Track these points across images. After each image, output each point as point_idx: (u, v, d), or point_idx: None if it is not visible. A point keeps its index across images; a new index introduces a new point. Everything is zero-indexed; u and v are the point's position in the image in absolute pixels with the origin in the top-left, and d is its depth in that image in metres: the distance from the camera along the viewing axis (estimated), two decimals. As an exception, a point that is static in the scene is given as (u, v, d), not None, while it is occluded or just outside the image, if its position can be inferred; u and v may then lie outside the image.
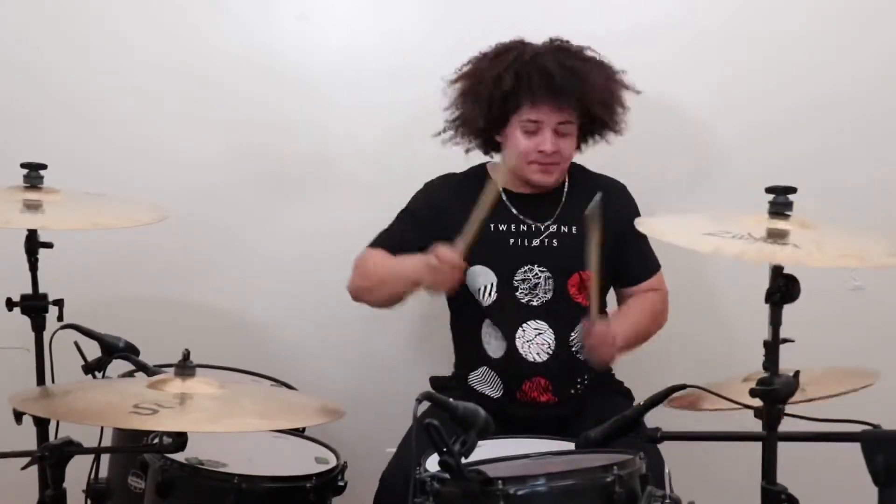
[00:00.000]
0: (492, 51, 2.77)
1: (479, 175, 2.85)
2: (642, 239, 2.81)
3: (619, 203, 2.83)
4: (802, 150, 3.25)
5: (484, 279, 2.78)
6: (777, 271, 2.00)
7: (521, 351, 2.75)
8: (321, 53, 3.27)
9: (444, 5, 3.28)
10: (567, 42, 2.78)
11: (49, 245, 2.53)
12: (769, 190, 2.08)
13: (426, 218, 2.81)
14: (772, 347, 2.01)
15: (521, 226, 2.78)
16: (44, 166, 2.51)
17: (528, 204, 2.81)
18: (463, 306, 2.83)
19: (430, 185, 2.89)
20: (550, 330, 2.75)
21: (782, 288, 1.99)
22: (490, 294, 2.78)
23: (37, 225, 2.47)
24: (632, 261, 2.85)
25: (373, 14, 3.28)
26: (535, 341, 2.75)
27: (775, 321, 2.00)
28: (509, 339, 2.75)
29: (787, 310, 2.01)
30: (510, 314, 2.76)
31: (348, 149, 3.27)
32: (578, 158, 2.89)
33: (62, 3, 3.23)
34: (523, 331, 2.75)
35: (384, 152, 3.26)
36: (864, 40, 3.25)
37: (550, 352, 2.74)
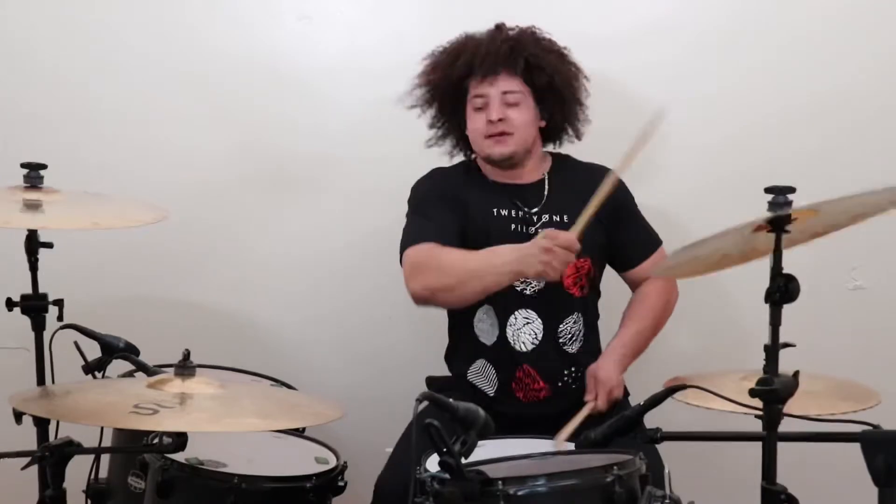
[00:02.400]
0: (443, 47, 2.86)
1: (468, 167, 2.90)
2: (637, 218, 2.86)
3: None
4: (802, 150, 3.25)
5: None
6: (777, 271, 2.00)
7: (510, 339, 2.76)
8: (321, 53, 3.27)
9: (444, 5, 3.28)
10: (514, 26, 2.85)
11: (49, 245, 2.53)
12: (769, 190, 2.08)
13: (437, 193, 2.83)
14: (772, 348, 2.00)
15: (519, 211, 2.80)
16: (44, 166, 2.50)
17: (515, 193, 2.82)
18: None
19: (424, 177, 2.90)
20: (539, 320, 2.76)
21: (782, 288, 1.99)
22: None
23: (37, 225, 2.47)
24: (628, 243, 2.86)
25: (373, 14, 3.28)
26: (523, 330, 2.76)
27: (775, 321, 2.00)
28: (501, 325, 2.76)
29: (788, 309, 2.01)
30: (505, 301, 2.76)
31: (348, 149, 3.27)
32: (575, 153, 2.91)
33: (62, 3, 3.23)
34: (515, 318, 2.76)
35: (384, 152, 3.26)
36: (864, 40, 3.25)
37: (536, 342, 2.75)
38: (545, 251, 2.49)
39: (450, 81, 2.80)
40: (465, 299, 2.69)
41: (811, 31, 3.25)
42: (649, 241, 2.88)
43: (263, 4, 3.28)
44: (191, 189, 3.23)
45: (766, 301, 2.01)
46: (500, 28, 2.84)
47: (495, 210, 2.80)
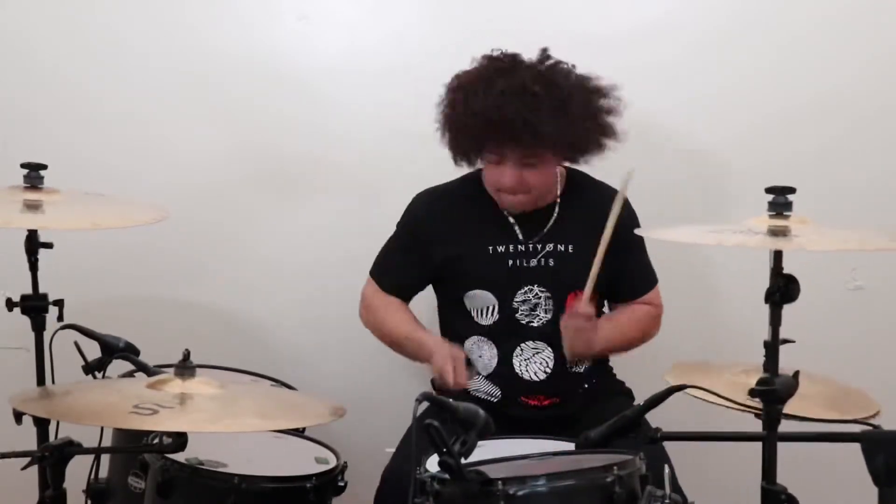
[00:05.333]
0: (467, 80, 2.68)
1: (472, 184, 2.82)
2: (641, 251, 2.81)
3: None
4: (802, 150, 3.25)
5: (483, 302, 2.76)
6: (777, 271, 2.00)
7: (517, 370, 2.74)
8: (321, 53, 3.27)
9: (444, 5, 3.28)
10: (545, 68, 2.65)
11: (49, 245, 2.52)
12: (769, 190, 2.08)
13: (414, 236, 2.83)
14: (772, 348, 2.01)
15: (519, 246, 2.75)
16: (44, 166, 2.50)
17: (521, 221, 2.77)
18: (454, 319, 2.83)
19: (415, 200, 2.87)
20: (549, 349, 2.73)
21: (782, 288, 1.99)
22: (492, 314, 2.76)
23: (37, 225, 2.47)
24: (630, 274, 2.81)
25: (373, 14, 3.27)
26: (534, 360, 2.74)
27: (775, 321, 2.00)
28: (507, 357, 2.75)
29: (788, 310, 2.01)
30: (510, 334, 2.75)
31: (348, 149, 3.27)
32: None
33: (62, 3, 3.23)
34: (521, 350, 2.74)
35: (384, 152, 3.26)
36: (864, 40, 3.25)
37: (549, 371, 2.73)
38: (443, 364, 2.68)
39: (464, 136, 2.68)
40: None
41: (811, 31, 3.25)
42: (646, 280, 2.85)
43: (263, 4, 3.28)
44: (191, 189, 3.23)
45: (766, 301, 2.01)
46: (523, 81, 2.59)
47: (491, 248, 2.74)
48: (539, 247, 2.75)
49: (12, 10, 3.21)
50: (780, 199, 2.06)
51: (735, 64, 3.26)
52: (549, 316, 2.74)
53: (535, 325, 2.74)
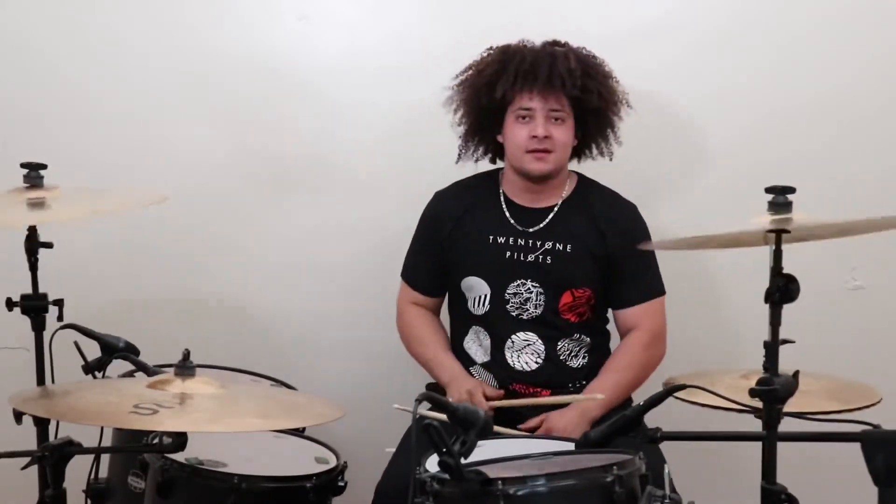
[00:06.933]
0: (490, 54, 2.80)
1: (489, 181, 2.88)
2: (644, 261, 2.79)
3: (624, 221, 2.81)
4: (802, 149, 3.25)
5: (476, 291, 2.80)
6: (776, 271, 2.00)
7: (509, 360, 2.78)
8: (321, 53, 3.27)
9: (444, 5, 3.28)
10: (564, 42, 2.80)
11: (49, 245, 2.52)
12: (769, 190, 2.08)
13: (435, 235, 2.86)
14: (772, 347, 2.00)
15: (519, 239, 2.78)
16: (44, 166, 2.50)
17: (525, 214, 2.81)
18: (454, 308, 2.89)
19: (438, 196, 2.90)
20: (540, 341, 2.77)
21: (782, 288, 1.99)
22: (483, 305, 2.80)
23: (37, 220, 2.46)
24: (626, 282, 2.80)
25: (373, 14, 3.28)
26: (525, 351, 2.78)
27: (775, 321, 2.00)
28: (498, 347, 2.79)
29: (787, 309, 2.01)
30: (500, 325, 2.78)
31: (348, 149, 3.27)
32: (585, 166, 2.91)
33: (62, 3, 3.23)
34: (512, 342, 2.78)
35: (384, 152, 3.26)
36: (864, 40, 3.25)
37: (540, 361, 2.78)
38: (468, 394, 2.71)
39: (492, 88, 2.72)
40: None
41: (811, 31, 3.25)
42: (651, 287, 2.81)
43: (263, 4, 3.28)
44: (190, 189, 3.23)
45: (766, 301, 2.00)
46: (553, 43, 2.79)
47: (491, 237, 2.79)
48: (538, 243, 2.78)
49: (12, 10, 3.22)
50: (780, 199, 2.04)
51: (735, 64, 3.26)
52: (538, 311, 2.77)
53: (524, 318, 2.77)
